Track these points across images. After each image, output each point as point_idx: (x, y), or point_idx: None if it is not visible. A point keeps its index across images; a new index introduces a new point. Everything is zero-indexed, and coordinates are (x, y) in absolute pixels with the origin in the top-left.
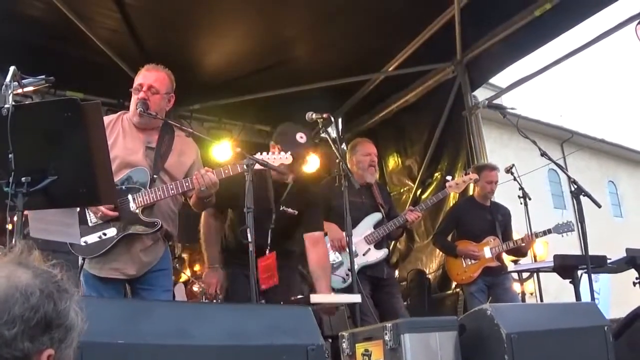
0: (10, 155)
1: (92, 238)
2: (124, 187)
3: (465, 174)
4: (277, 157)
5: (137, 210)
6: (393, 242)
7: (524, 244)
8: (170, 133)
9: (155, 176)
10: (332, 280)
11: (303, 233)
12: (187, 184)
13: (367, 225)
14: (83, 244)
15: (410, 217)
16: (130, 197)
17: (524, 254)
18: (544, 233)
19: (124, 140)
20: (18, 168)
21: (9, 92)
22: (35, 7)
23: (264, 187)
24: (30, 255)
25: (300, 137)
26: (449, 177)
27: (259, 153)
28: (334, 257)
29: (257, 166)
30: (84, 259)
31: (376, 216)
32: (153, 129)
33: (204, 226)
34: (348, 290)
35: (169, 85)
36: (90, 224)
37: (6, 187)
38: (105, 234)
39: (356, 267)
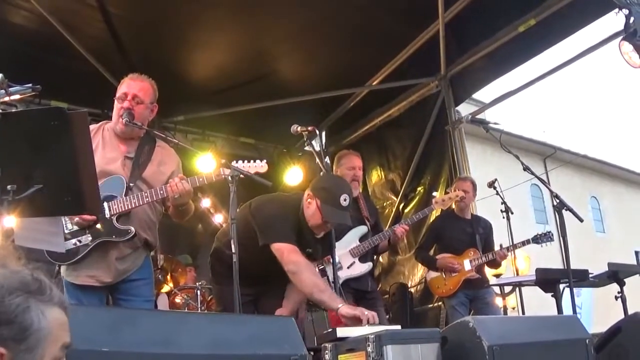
0: None
1: (67, 244)
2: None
3: (452, 191)
4: (252, 165)
5: (112, 218)
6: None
7: (498, 257)
8: (150, 143)
9: (131, 184)
10: None
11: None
12: (161, 192)
13: (352, 238)
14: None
15: (398, 231)
16: (105, 204)
17: (498, 265)
18: (523, 244)
19: (103, 150)
20: (3, 175)
21: None
22: (21, 15)
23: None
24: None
25: (344, 199)
26: (435, 193)
27: (235, 161)
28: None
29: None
30: (59, 266)
31: (361, 229)
32: (134, 138)
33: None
34: None
35: (153, 95)
36: (66, 231)
37: None
38: (80, 241)
39: (340, 280)
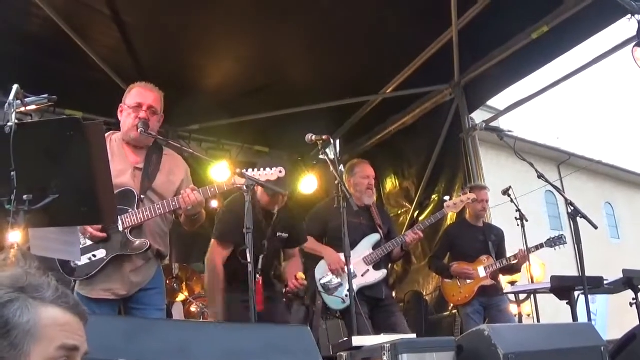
0: (12, 173)
1: (82, 260)
2: None
3: (463, 194)
4: (269, 173)
5: (126, 231)
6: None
7: (517, 261)
8: (158, 152)
9: (142, 196)
10: (331, 301)
11: (289, 249)
12: (173, 204)
13: (365, 247)
14: (73, 265)
15: (408, 238)
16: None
17: (519, 271)
18: (537, 248)
19: (112, 162)
20: (20, 186)
21: (12, 110)
22: (35, 25)
23: (254, 213)
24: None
25: (280, 171)
26: (446, 198)
27: (249, 169)
28: (333, 278)
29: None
30: (75, 281)
31: (374, 237)
32: (143, 147)
33: (215, 271)
34: (347, 311)
35: (162, 106)
36: (80, 247)
37: (8, 205)
38: (95, 256)
39: (355, 288)
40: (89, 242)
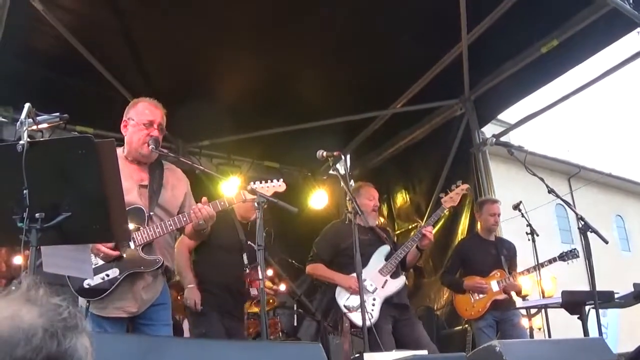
0: (25, 191)
1: (95, 280)
2: None
3: (456, 186)
4: (270, 185)
5: (138, 248)
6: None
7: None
8: (159, 167)
9: (151, 213)
10: (356, 319)
11: None
12: (184, 219)
13: (378, 259)
14: (86, 286)
15: (425, 230)
16: None
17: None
18: (550, 262)
19: None
20: (32, 204)
21: (24, 128)
22: (46, 42)
23: (231, 226)
24: (38, 291)
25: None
26: (442, 194)
27: (252, 182)
28: (353, 297)
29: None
30: (88, 302)
31: (385, 249)
32: (145, 164)
33: (181, 254)
34: (371, 326)
35: None
36: (92, 267)
37: (20, 223)
38: (108, 275)
39: (380, 301)
40: (100, 262)
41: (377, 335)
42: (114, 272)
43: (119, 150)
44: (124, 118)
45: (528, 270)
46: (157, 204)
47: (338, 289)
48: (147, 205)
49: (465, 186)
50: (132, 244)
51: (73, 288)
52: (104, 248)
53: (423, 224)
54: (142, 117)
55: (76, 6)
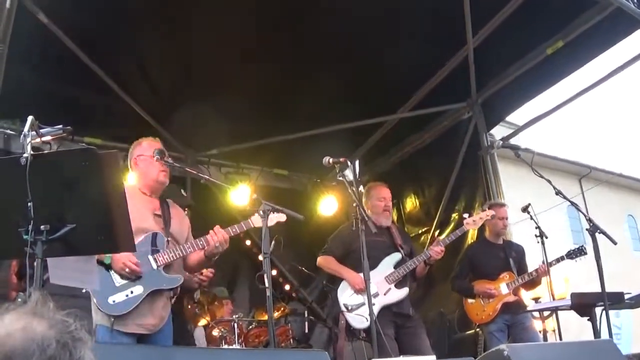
0: (29, 204)
1: (119, 297)
2: (143, 249)
3: (482, 210)
4: (272, 217)
5: (159, 268)
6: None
7: (537, 275)
8: (165, 202)
9: (168, 239)
10: (355, 320)
11: None
12: (201, 243)
13: (387, 266)
14: (111, 302)
15: (433, 251)
16: (151, 257)
17: (539, 283)
18: (558, 260)
19: (134, 206)
20: (37, 216)
21: (27, 141)
22: (53, 53)
23: None
24: (45, 305)
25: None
26: (465, 215)
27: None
28: (354, 297)
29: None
30: (113, 318)
31: (396, 256)
32: (156, 195)
33: None
34: (369, 330)
35: None
36: (116, 284)
37: (25, 235)
38: (132, 292)
39: (378, 306)
40: (124, 281)
41: (373, 340)
42: (138, 290)
43: (131, 182)
44: (131, 158)
45: (536, 271)
46: (169, 233)
47: (342, 285)
48: (163, 231)
49: (491, 212)
50: (154, 264)
51: (98, 304)
52: (130, 264)
53: (435, 233)
54: (150, 151)
55: (82, 19)
